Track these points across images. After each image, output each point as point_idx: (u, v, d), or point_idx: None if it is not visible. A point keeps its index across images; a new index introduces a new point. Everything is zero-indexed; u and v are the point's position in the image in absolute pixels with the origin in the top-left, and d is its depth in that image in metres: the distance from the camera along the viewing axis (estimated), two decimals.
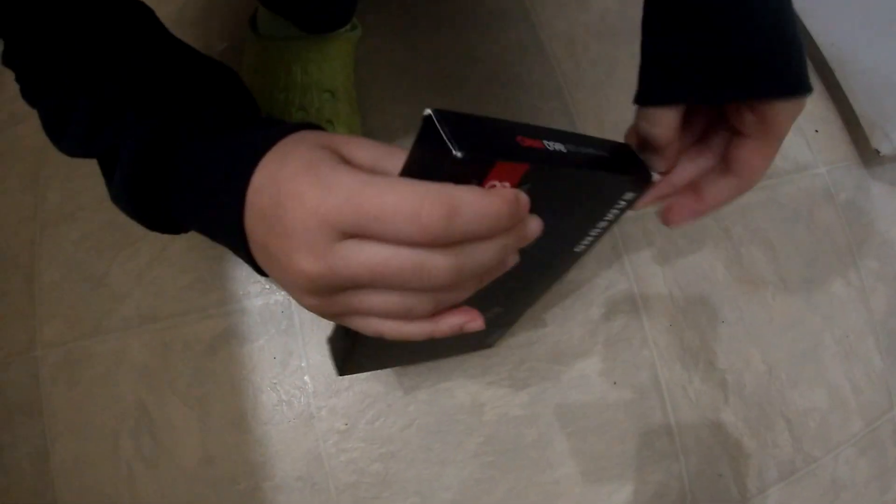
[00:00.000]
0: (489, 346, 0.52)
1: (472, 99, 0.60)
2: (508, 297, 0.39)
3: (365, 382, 0.52)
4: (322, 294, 0.21)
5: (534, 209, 0.21)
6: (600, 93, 0.63)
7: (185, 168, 0.26)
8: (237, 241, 0.24)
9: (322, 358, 0.53)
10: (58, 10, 0.27)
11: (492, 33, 0.63)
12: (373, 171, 0.22)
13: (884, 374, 0.63)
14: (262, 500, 0.51)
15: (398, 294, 0.20)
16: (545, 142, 0.23)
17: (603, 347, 0.55)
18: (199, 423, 0.52)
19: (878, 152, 0.66)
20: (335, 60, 0.52)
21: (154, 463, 0.52)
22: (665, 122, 0.28)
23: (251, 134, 0.25)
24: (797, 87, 0.26)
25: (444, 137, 0.19)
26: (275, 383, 0.52)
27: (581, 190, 0.27)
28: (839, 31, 0.68)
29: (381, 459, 0.51)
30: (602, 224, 0.31)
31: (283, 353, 0.53)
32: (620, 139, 0.31)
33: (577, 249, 0.34)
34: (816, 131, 0.67)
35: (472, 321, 0.22)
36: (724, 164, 0.30)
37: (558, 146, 0.23)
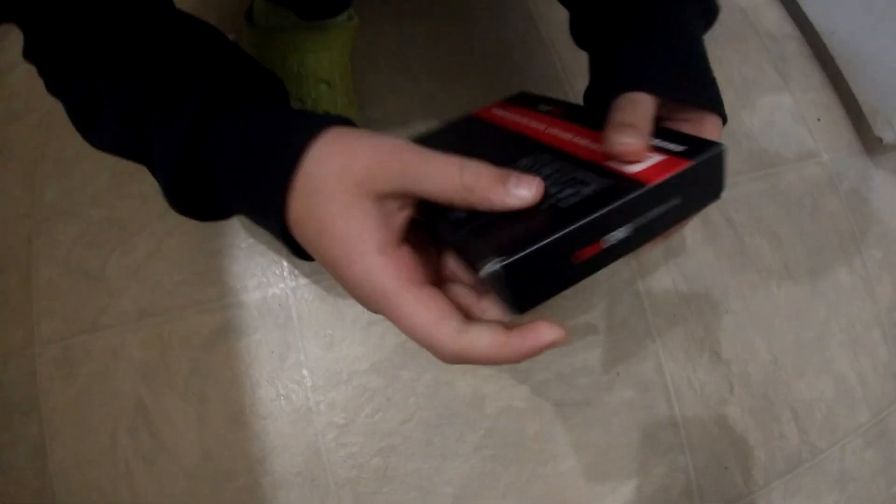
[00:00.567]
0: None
1: (471, 89, 0.58)
2: None
3: (365, 376, 0.50)
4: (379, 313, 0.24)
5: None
6: None
7: (220, 167, 0.25)
8: (282, 241, 0.25)
9: (321, 351, 0.51)
10: None
11: (491, 23, 0.61)
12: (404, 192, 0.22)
13: (890, 364, 0.61)
14: (261, 497, 0.49)
15: None
16: (604, 240, 0.22)
17: (605, 338, 0.53)
18: (197, 418, 0.51)
19: (880, 140, 0.64)
20: (332, 51, 0.51)
21: (152, 459, 0.50)
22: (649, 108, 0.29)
23: (288, 128, 0.25)
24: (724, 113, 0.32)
25: (505, 301, 0.21)
26: (273, 378, 0.50)
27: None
28: (840, 18, 0.66)
29: (381, 454, 0.49)
30: None
31: (281, 346, 0.51)
32: None
33: None
34: (818, 120, 0.65)
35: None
36: None
37: (619, 235, 0.22)
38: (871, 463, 0.59)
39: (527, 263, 0.20)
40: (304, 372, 0.51)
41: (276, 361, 0.51)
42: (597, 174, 0.24)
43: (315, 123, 0.23)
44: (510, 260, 0.20)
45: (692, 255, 0.57)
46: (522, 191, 0.22)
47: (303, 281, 0.53)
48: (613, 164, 0.24)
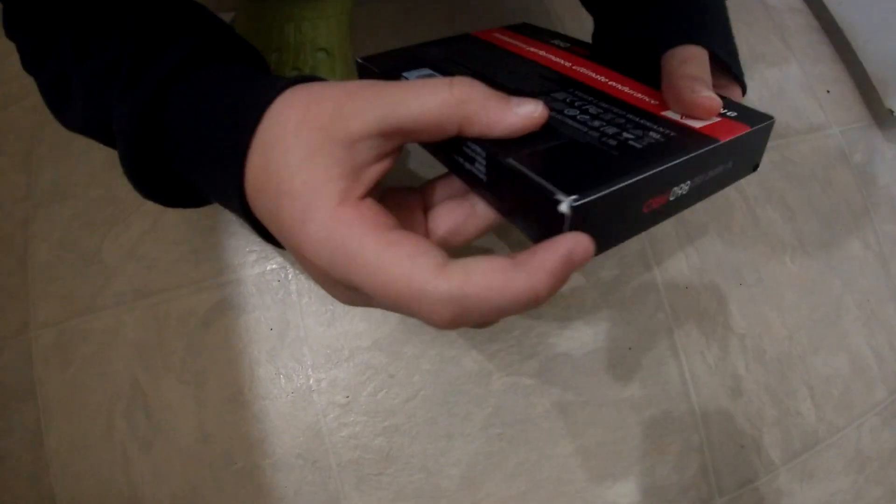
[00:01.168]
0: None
1: None
2: None
3: (367, 352, 0.47)
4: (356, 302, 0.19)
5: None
6: None
7: (181, 134, 0.22)
8: (244, 218, 0.21)
9: (322, 329, 0.48)
10: None
11: None
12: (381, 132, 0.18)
13: None
14: (260, 480, 0.46)
15: None
16: (672, 191, 0.20)
17: (616, 311, 0.50)
18: (194, 399, 0.48)
19: (891, 112, 0.61)
20: (330, 19, 0.48)
21: (149, 443, 0.48)
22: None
23: (244, 97, 0.20)
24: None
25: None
26: (272, 356, 0.48)
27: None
28: None
29: (385, 434, 0.46)
30: None
31: (281, 323, 0.48)
32: None
33: None
34: (828, 92, 0.62)
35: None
36: None
37: (683, 189, 0.20)
38: (889, 442, 0.56)
39: (601, 205, 0.17)
40: (305, 349, 0.48)
41: (275, 339, 0.48)
42: (654, 122, 0.22)
43: (282, 80, 0.20)
44: (585, 200, 0.16)
45: (703, 227, 0.54)
46: (528, 106, 0.18)
47: None
48: (670, 115, 0.23)
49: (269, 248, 0.50)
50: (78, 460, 0.49)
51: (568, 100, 0.23)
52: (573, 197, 0.16)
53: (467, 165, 0.20)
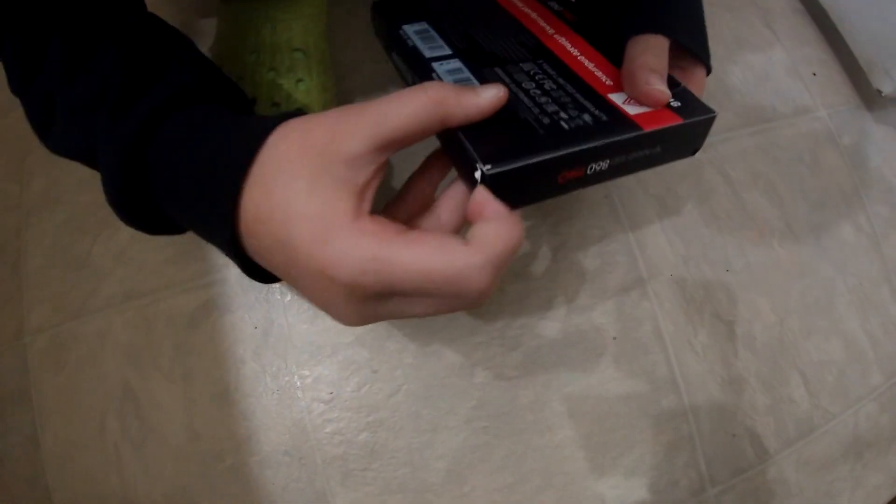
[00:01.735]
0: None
1: None
2: None
3: (349, 348, 0.47)
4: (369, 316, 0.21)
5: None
6: None
7: (165, 172, 0.23)
8: (229, 251, 0.22)
9: (305, 326, 0.47)
10: None
11: None
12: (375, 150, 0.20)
13: None
14: (248, 476, 0.45)
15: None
16: (589, 167, 0.22)
17: (599, 300, 0.49)
18: (183, 399, 0.47)
19: (879, 92, 0.59)
20: (305, 19, 0.48)
21: (140, 442, 0.47)
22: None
23: (233, 138, 0.22)
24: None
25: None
26: (257, 354, 0.47)
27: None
28: None
29: (369, 429, 0.45)
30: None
31: (265, 321, 0.48)
32: None
33: None
34: (814, 74, 0.60)
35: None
36: None
37: (602, 165, 0.22)
38: (888, 428, 0.54)
39: (513, 175, 0.20)
40: (288, 347, 0.47)
41: (259, 337, 0.47)
42: (595, 104, 0.24)
43: (270, 118, 0.21)
44: (497, 170, 0.19)
45: (687, 212, 0.52)
46: (491, 91, 0.21)
47: None
48: (615, 98, 0.24)
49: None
50: (73, 461, 0.48)
51: (532, 72, 0.26)
52: (488, 166, 0.19)
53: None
